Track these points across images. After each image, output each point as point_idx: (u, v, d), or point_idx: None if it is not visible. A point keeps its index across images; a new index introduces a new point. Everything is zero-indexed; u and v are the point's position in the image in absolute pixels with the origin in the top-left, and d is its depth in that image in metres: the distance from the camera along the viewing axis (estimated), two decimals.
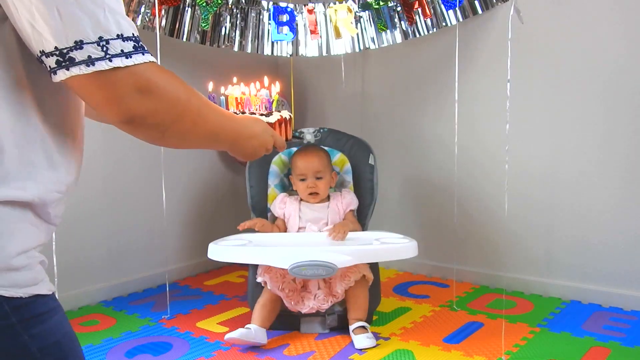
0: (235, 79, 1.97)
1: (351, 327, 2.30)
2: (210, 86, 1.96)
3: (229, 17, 2.74)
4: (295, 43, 2.90)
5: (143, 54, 0.76)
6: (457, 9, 2.69)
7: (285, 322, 2.37)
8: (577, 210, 2.72)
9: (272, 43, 2.87)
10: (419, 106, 3.15)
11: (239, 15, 2.77)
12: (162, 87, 0.79)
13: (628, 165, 2.58)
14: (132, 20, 2.49)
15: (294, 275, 2.15)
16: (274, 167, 2.63)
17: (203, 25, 2.63)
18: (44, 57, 0.74)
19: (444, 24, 2.75)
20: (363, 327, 2.30)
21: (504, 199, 2.34)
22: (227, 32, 2.76)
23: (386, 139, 3.24)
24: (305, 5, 2.84)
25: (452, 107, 2.71)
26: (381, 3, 2.76)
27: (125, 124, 0.78)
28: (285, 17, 2.77)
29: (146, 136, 0.83)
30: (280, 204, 2.52)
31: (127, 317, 2.61)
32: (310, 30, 2.85)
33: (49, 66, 0.74)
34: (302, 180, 2.45)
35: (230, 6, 2.73)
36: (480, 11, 2.75)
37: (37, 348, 0.78)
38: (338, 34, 2.82)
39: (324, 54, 2.93)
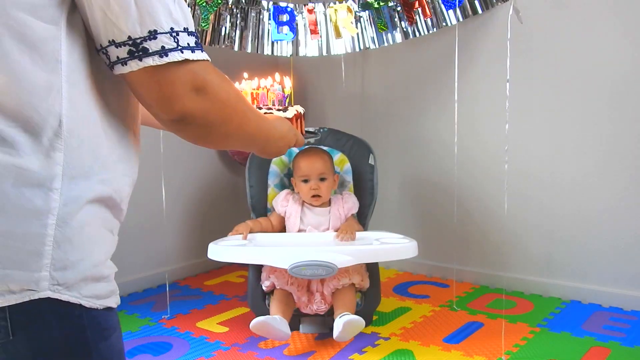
0: (246, 75, 1.96)
1: (336, 318, 2.18)
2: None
3: (229, 17, 2.74)
4: (295, 43, 2.90)
5: (202, 51, 0.75)
6: (457, 8, 2.69)
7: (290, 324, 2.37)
8: (577, 210, 2.72)
9: (272, 43, 2.86)
10: (419, 106, 3.15)
11: (239, 15, 2.77)
12: (217, 88, 0.78)
13: (628, 165, 2.58)
14: None
15: (294, 275, 2.14)
16: (274, 167, 2.63)
17: (203, 25, 2.63)
18: (112, 48, 0.70)
19: (444, 24, 2.75)
20: (345, 313, 2.19)
21: (504, 199, 2.34)
22: (227, 32, 2.75)
23: (386, 139, 3.24)
24: (305, 5, 2.84)
25: (452, 107, 2.71)
26: (381, 3, 2.76)
27: (176, 123, 0.76)
28: (285, 17, 2.76)
29: (192, 135, 0.81)
30: (283, 202, 2.50)
31: (127, 317, 2.61)
32: (310, 30, 2.85)
33: (117, 57, 0.70)
34: (305, 181, 2.44)
35: (230, 6, 2.73)
36: (480, 11, 2.75)
37: None
38: (338, 34, 2.82)
39: (324, 54, 2.93)
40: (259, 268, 2.43)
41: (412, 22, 2.76)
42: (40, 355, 0.69)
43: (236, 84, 1.74)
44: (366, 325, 2.43)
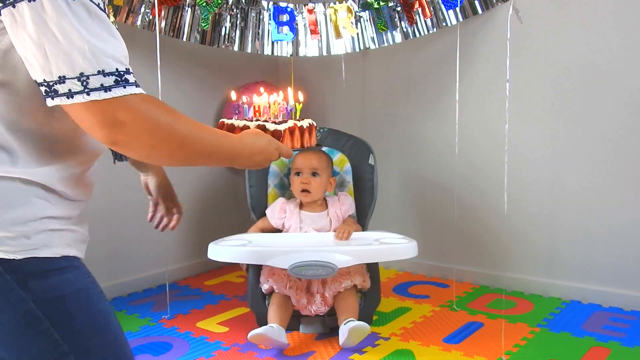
0: (262, 89, 2.00)
1: (342, 324, 2.21)
2: (233, 95, 2.02)
3: (229, 17, 2.74)
4: (296, 43, 2.90)
5: (125, 87, 0.87)
6: (457, 9, 2.69)
7: (286, 322, 2.37)
8: (577, 210, 2.72)
9: (272, 43, 2.87)
10: (419, 106, 3.15)
11: (239, 15, 2.77)
12: (140, 117, 0.89)
13: (629, 165, 2.58)
14: (132, 20, 2.51)
15: (294, 275, 2.15)
16: (274, 167, 2.63)
17: (203, 25, 2.63)
18: (37, 85, 0.86)
19: (444, 24, 2.75)
20: (351, 320, 2.22)
21: (504, 199, 2.34)
22: (227, 32, 2.76)
23: (386, 139, 3.24)
24: (305, 5, 2.84)
25: (452, 107, 2.71)
26: (381, 3, 2.76)
27: (111, 146, 0.90)
28: (285, 17, 2.77)
29: (133, 156, 0.96)
30: (280, 213, 2.47)
31: (127, 317, 2.61)
32: (311, 30, 2.85)
33: (42, 91, 0.86)
34: (297, 174, 2.43)
35: (230, 6, 2.73)
36: (480, 11, 2.75)
37: (33, 300, 0.91)
38: (338, 34, 2.82)
39: (324, 54, 2.93)
40: (259, 268, 2.42)
41: (412, 22, 2.76)
42: None
43: (254, 97, 1.84)
44: None
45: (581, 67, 2.64)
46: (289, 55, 2.96)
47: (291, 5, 2.78)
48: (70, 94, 0.84)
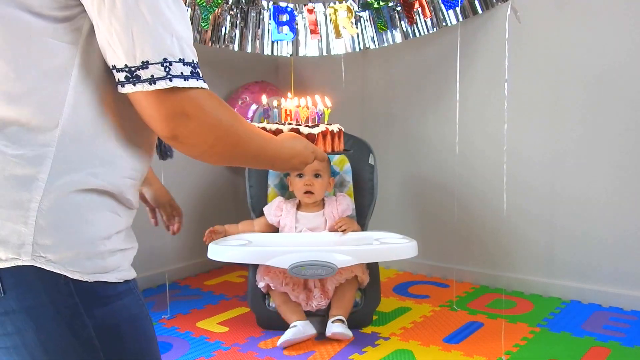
0: (290, 94, 2.05)
1: (330, 319, 2.31)
2: (264, 99, 2.06)
3: (229, 17, 2.74)
4: (295, 43, 2.90)
5: (197, 80, 0.85)
6: (457, 9, 2.69)
7: (286, 322, 2.37)
8: (577, 210, 2.72)
9: (272, 43, 2.87)
10: (419, 106, 3.15)
11: (239, 15, 2.77)
12: (206, 113, 0.87)
13: (629, 165, 2.58)
14: None
15: (294, 275, 2.15)
16: None
17: (203, 25, 2.63)
18: (115, 71, 0.83)
19: (444, 24, 2.75)
20: (339, 319, 2.30)
21: (504, 199, 2.34)
22: (227, 32, 2.75)
23: (386, 139, 3.24)
24: (305, 5, 2.84)
25: (452, 107, 2.71)
26: (381, 3, 2.76)
27: (170, 140, 0.87)
28: (285, 17, 2.76)
29: (188, 152, 0.92)
30: (276, 211, 2.49)
31: None
32: (310, 30, 2.85)
33: (118, 79, 0.83)
34: (300, 176, 2.44)
35: (230, 6, 2.73)
36: (480, 11, 2.75)
37: (93, 327, 0.87)
38: (338, 34, 2.82)
39: (324, 53, 2.93)
40: (258, 267, 2.43)
41: (412, 22, 2.76)
42: (31, 312, 0.84)
43: (282, 100, 1.91)
44: (366, 325, 2.44)
45: (581, 67, 2.64)
46: (289, 55, 2.96)
47: (291, 5, 2.78)
48: (152, 80, 0.81)
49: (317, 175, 2.43)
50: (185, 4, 2.59)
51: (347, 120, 3.33)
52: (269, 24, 2.79)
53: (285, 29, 2.78)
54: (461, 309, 2.65)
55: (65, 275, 0.84)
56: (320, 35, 2.87)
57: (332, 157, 2.60)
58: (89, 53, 0.85)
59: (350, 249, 2.20)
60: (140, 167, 0.96)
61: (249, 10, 2.79)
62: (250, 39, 2.82)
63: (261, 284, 2.38)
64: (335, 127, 1.78)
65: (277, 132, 1.64)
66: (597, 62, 2.61)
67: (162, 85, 0.81)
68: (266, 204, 2.59)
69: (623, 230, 2.62)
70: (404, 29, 2.82)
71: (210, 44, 2.73)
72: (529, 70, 2.74)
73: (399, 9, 2.78)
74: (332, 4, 2.81)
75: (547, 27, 2.70)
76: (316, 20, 2.84)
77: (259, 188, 2.62)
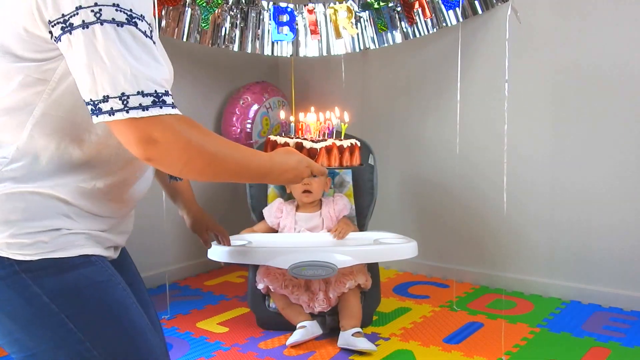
0: (312, 109, 2.11)
1: (349, 333, 2.24)
2: (282, 114, 2.09)
3: (229, 17, 2.74)
4: (296, 43, 2.90)
5: (161, 107, 0.95)
6: (457, 9, 2.69)
7: (285, 322, 2.37)
8: (577, 210, 2.72)
9: (272, 43, 2.87)
10: (419, 106, 3.15)
11: (239, 15, 2.77)
12: (173, 135, 0.97)
13: (629, 165, 2.58)
14: None
15: (294, 276, 2.15)
16: None
17: (203, 25, 2.63)
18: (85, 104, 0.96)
19: (444, 24, 2.75)
20: (359, 332, 2.26)
21: (504, 199, 2.34)
22: (227, 32, 2.75)
23: (386, 139, 3.24)
24: (305, 5, 2.84)
25: (452, 107, 2.71)
26: (381, 3, 2.76)
27: (146, 161, 0.98)
28: (285, 17, 2.77)
29: (166, 171, 1.08)
30: (277, 212, 2.50)
31: None
32: (311, 30, 2.85)
33: (89, 110, 0.95)
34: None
35: (230, 6, 2.73)
36: (480, 11, 2.75)
37: (47, 295, 1.01)
38: (338, 34, 2.82)
39: (324, 54, 2.93)
40: (258, 268, 2.43)
41: (412, 22, 2.76)
42: None
43: (300, 115, 1.99)
44: (366, 326, 2.43)
45: (581, 67, 2.64)
46: (289, 56, 2.96)
47: (291, 6, 2.78)
48: (111, 112, 0.93)
49: (314, 175, 2.43)
50: (185, 4, 2.59)
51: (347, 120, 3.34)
52: (269, 24, 2.79)
53: (286, 29, 2.78)
54: (461, 309, 2.65)
55: (7, 257, 1.00)
56: (321, 36, 2.88)
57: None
58: (59, 89, 0.99)
59: (350, 249, 2.20)
60: (98, 178, 1.08)
61: (249, 10, 2.79)
62: (250, 39, 2.82)
63: (260, 286, 2.38)
64: (347, 142, 1.81)
65: (284, 145, 1.72)
66: (597, 62, 2.60)
67: (119, 116, 0.93)
68: (266, 204, 2.59)
69: (623, 231, 2.62)
70: (404, 29, 2.82)
71: (210, 44, 2.73)
72: (529, 70, 2.74)
73: (399, 9, 2.78)
74: (332, 4, 2.81)
75: (547, 27, 2.70)
76: (316, 21, 2.84)
77: (259, 188, 2.62)
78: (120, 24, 0.93)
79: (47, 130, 1.02)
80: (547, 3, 2.69)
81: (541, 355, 2.18)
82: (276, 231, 2.50)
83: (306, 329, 2.27)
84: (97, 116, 0.94)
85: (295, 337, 2.25)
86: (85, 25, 0.92)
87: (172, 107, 0.97)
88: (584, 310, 2.61)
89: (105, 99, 0.93)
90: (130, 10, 0.95)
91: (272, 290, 2.35)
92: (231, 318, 2.61)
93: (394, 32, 2.84)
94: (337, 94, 3.41)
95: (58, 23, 0.93)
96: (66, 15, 0.92)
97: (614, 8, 2.55)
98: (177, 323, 2.54)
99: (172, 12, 2.58)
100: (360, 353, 2.20)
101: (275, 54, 2.92)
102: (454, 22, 2.72)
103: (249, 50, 2.83)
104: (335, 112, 2.08)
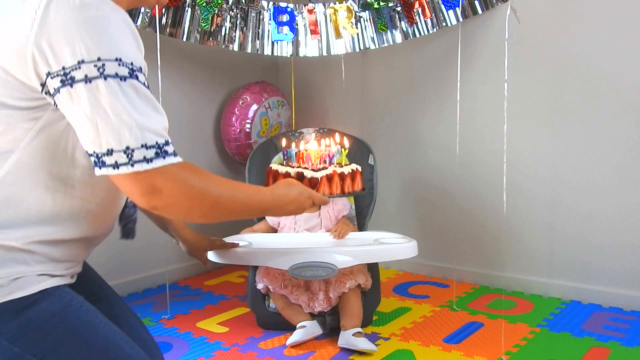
0: (313, 136, 2.14)
1: (349, 333, 2.24)
2: (284, 142, 2.10)
3: (229, 17, 2.74)
4: (296, 43, 2.90)
5: (164, 158, 0.97)
6: (457, 9, 2.69)
7: (285, 322, 2.37)
8: (577, 210, 2.72)
9: (272, 43, 2.87)
10: (419, 106, 3.15)
11: (239, 15, 2.77)
12: (177, 184, 0.99)
13: (629, 165, 2.58)
14: (132, 19, 2.50)
15: (294, 277, 2.14)
16: None
17: (203, 25, 2.63)
18: (88, 154, 0.96)
19: (444, 24, 2.75)
20: (360, 332, 2.26)
21: (504, 199, 2.34)
22: (227, 32, 2.75)
23: (386, 139, 3.24)
24: (305, 5, 2.84)
25: (452, 107, 2.71)
26: (381, 3, 2.76)
27: (152, 210, 1.00)
28: (285, 17, 2.77)
29: (172, 217, 1.16)
30: None
31: None
32: (311, 30, 2.85)
33: (93, 161, 0.96)
34: None
35: (230, 6, 2.73)
36: (480, 11, 2.75)
37: (8, 340, 0.99)
38: (338, 34, 2.82)
39: (324, 54, 2.93)
40: (257, 268, 2.43)
41: (412, 22, 2.76)
42: None
43: (301, 144, 2.05)
44: (366, 325, 2.43)
45: (581, 67, 2.64)
46: (289, 55, 2.96)
47: (291, 5, 2.78)
48: (116, 165, 0.94)
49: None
50: (185, 4, 2.60)
51: (347, 120, 3.35)
52: (269, 24, 2.79)
53: (285, 29, 2.78)
54: (461, 309, 2.65)
55: None
56: (320, 36, 2.88)
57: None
58: (39, 138, 0.99)
59: (350, 250, 2.20)
60: (65, 231, 1.07)
61: (249, 10, 2.79)
62: (250, 39, 2.82)
63: (260, 286, 2.38)
64: (347, 169, 1.83)
65: (286, 175, 1.76)
66: (597, 62, 2.61)
67: (124, 170, 0.94)
68: None
69: (623, 231, 2.62)
70: (404, 29, 2.82)
71: (210, 44, 2.73)
72: (529, 71, 2.74)
73: (399, 9, 2.78)
74: (332, 4, 2.81)
75: (547, 27, 2.70)
76: (316, 21, 2.84)
77: None
78: (123, 78, 0.94)
79: (20, 179, 1.01)
80: (546, 3, 2.69)
81: (541, 355, 2.18)
82: (276, 230, 2.50)
83: (306, 329, 2.27)
84: (100, 169, 0.95)
85: (295, 337, 2.25)
86: (88, 79, 0.92)
87: (174, 156, 0.99)
88: (584, 310, 2.61)
89: (110, 152, 0.94)
90: (132, 64, 0.96)
91: (271, 290, 2.36)
92: (231, 318, 2.61)
93: (394, 32, 2.85)
94: (337, 94, 3.42)
95: (57, 76, 0.93)
96: (67, 69, 0.92)
97: (614, 8, 2.55)
98: (177, 323, 2.54)
99: (172, 12, 2.58)
100: (361, 353, 2.20)
101: (275, 53, 2.92)
102: (454, 22, 2.72)
103: (249, 50, 2.83)
104: (335, 138, 2.09)
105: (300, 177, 1.79)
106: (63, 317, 1.04)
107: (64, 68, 0.92)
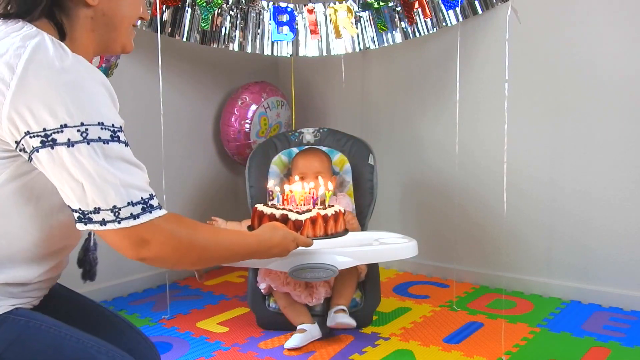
0: (297, 178, 2.19)
1: (332, 310, 2.30)
2: (271, 183, 2.14)
3: (229, 17, 2.74)
4: (296, 43, 2.90)
5: (150, 212, 1.00)
6: (457, 9, 2.69)
7: (286, 322, 2.37)
8: (577, 210, 2.72)
9: (272, 43, 2.86)
10: (419, 106, 3.15)
11: (239, 15, 2.77)
12: (164, 236, 1.02)
13: (629, 165, 2.58)
14: None
15: (295, 279, 2.13)
16: (274, 167, 2.63)
17: (203, 25, 2.63)
18: (70, 209, 0.99)
19: (444, 24, 2.75)
20: (342, 309, 2.30)
21: (504, 199, 2.34)
22: (227, 32, 2.75)
23: (386, 139, 3.24)
24: (305, 5, 2.84)
25: (452, 107, 2.71)
26: (381, 3, 2.76)
27: (140, 261, 1.02)
28: (285, 17, 2.76)
29: (161, 267, 1.13)
30: None
31: (127, 317, 2.61)
32: (311, 30, 2.85)
33: (75, 217, 0.98)
34: (302, 178, 2.44)
35: (230, 6, 2.73)
36: (480, 11, 2.75)
37: None
38: (338, 34, 2.82)
39: (324, 54, 2.93)
40: (258, 268, 2.42)
41: (412, 22, 2.76)
42: None
43: (285, 186, 2.13)
44: (366, 326, 2.43)
45: (581, 68, 2.64)
46: (289, 55, 2.96)
47: (291, 5, 2.78)
48: (103, 222, 0.97)
49: (318, 177, 2.44)
50: (185, 4, 2.59)
51: (347, 120, 3.35)
52: (269, 24, 2.79)
53: (285, 29, 2.78)
54: (461, 309, 2.65)
55: None
56: (320, 36, 2.87)
57: (332, 156, 2.59)
58: (4, 187, 1.00)
59: (350, 250, 2.19)
60: (25, 277, 1.08)
61: (249, 10, 2.78)
62: (250, 39, 2.82)
63: (262, 286, 2.38)
64: (331, 211, 1.91)
65: (271, 216, 1.86)
66: (597, 62, 2.60)
67: (111, 227, 0.97)
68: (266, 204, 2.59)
69: (623, 231, 2.62)
70: (404, 29, 2.82)
71: (210, 44, 2.73)
72: (529, 71, 2.74)
73: (399, 9, 2.78)
74: (332, 4, 2.81)
75: (547, 27, 2.70)
76: (316, 21, 2.83)
77: (259, 188, 2.62)
78: (105, 142, 0.96)
79: None
80: (546, 3, 2.69)
81: (541, 355, 2.18)
82: None
83: (305, 334, 2.26)
84: (85, 225, 0.98)
85: (294, 342, 2.24)
86: (70, 143, 0.93)
87: (160, 209, 1.02)
88: (584, 310, 2.62)
89: (97, 210, 0.96)
90: (112, 126, 0.98)
91: (274, 289, 2.35)
92: (231, 318, 2.61)
93: (394, 32, 2.84)
94: (337, 94, 3.42)
95: (37, 136, 0.93)
96: (48, 131, 0.93)
97: (614, 8, 2.54)
98: (177, 323, 2.54)
99: (172, 12, 2.58)
100: (360, 352, 2.20)
101: (275, 53, 2.92)
102: (454, 21, 2.72)
103: (249, 50, 2.83)
104: (318, 181, 2.19)
105: (284, 219, 1.85)
106: (22, 342, 1.02)
107: (44, 129, 0.93)
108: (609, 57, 2.58)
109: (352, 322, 2.27)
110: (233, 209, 3.37)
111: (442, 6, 2.68)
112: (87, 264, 1.33)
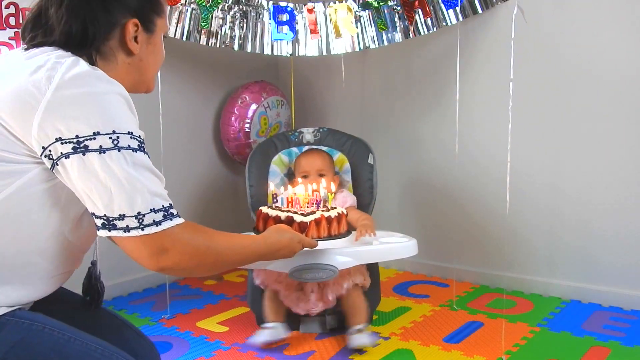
0: (300, 180, 2.21)
1: (351, 331, 2.25)
2: (271, 186, 2.16)
3: (229, 17, 2.74)
4: (295, 42, 2.90)
5: (171, 219, 1.05)
6: (457, 8, 2.68)
7: (285, 322, 2.37)
8: (577, 210, 2.72)
9: (272, 43, 2.86)
10: (419, 106, 3.15)
11: (239, 15, 2.77)
12: (183, 244, 1.06)
13: (630, 165, 2.58)
14: None
15: (295, 279, 2.13)
16: (274, 167, 2.63)
17: (203, 25, 2.63)
18: (94, 217, 1.02)
19: (444, 23, 2.75)
20: (359, 329, 2.26)
21: (505, 199, 2.34)
22: (227, 32, 2.75)
23: (386, 139, 3.24)
24: (305, 5, 2.84)
25: (452, 107, 2.71)
26: (381, 2, 2.76)
27: (160, 271, 1.06)
28: (285, 17, 2.76)
29: (177, 275, 1.26)
30: None
31: (127, 316, 2.61)
32: (310, 30, 2.85)
33: (97, 224, 1.02)
34: (305, 177, 2.44)
35: (230, 6, 2.73)
36: (480, 11, 2.75)
37: None
38: (338, 34, 2.82)
39: (324, 53, 2.93)
40: None
41: (412, 21, 2.76)
42: None
43: (289, 187, 2.17)
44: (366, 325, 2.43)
45: (584, 68, 2.64)
46: (288, 55, 2.96)
47: (291, 5, 2.78)
48: (127, 229, 1.00)
49: (321, 175, 2.44)
50: (185, 4, 2.59)
51: (347, 120, 3.35)
52: (269, 23, 2.79)
53: (285, 28, 2.78)
54: (461, 309, 2.65)
55: None
56: (320, 35, 2.87)
57: (332, 156, 2.59)
58: (17, 195, 1.02)
59: (350, 250, 2.19)
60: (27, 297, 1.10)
61: (249, 10, 2.78)
62: (250, 38, 2.82)
63: (257, 281, 2.37)
64: (334, 212, 1.95)
65: (276, 218, 1.90)
66: (599, 62, 2.60)
67: (135, 233, 1.00)
68: (266, 203, 2.58)
69: (623, 230, 2.62)
70: (404, 29, 2.82)
71: (210, 44, 2.72)
72: (531, 70, 2.73)
73: (399, 8, 2.78)
74: (332, 4, 2.81)
75: (549, 26, 2.70)
76: (316, 20, 2.84)
77: (259, 188, 2.62)
78: (134, 150, 1.02)
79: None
80: (550, 2, 2.69)
81: (541, 354, 2.18)
82: None
83: (272, 332, 2.26)
84: (109, 231, 1.01)
85: (261, 338, 2.24)
86: (102, 150, 0.98)
87: (179, 217, 1.06)
88: (584, 310, 2.62)
89: (122, 217, 1.00)
90: (139, 137, 1.05)
91: (266, 285, 2.34)
92: (231, 317, 2.61)
93: (394, 31, 2.84)
94: (337, 94, 3.42)
95: (69, 142, 0.98)
96: (81, 138, 0.98)
97: (618, 8, 2.54)
98: (177, 322, 2.54)
99: (172, 12, 2.58)
100: (360, 352, 2.20)
101: (274, 53, 2.92)
102: (454, 21, 2.72)
103: (249, 50, 2.83)
104: (322, 183, 2.23)
105: (289, 221, 1.88)
106: (25, 345, 1.02)
107: (77, 136, 0.98)
108: (611, 58, 2.57)
109: (371, 342, 2.23)
110: (233, 209, 3.38)
111: (442, 5, 2.67)
112: (95, 292, 1.35)
